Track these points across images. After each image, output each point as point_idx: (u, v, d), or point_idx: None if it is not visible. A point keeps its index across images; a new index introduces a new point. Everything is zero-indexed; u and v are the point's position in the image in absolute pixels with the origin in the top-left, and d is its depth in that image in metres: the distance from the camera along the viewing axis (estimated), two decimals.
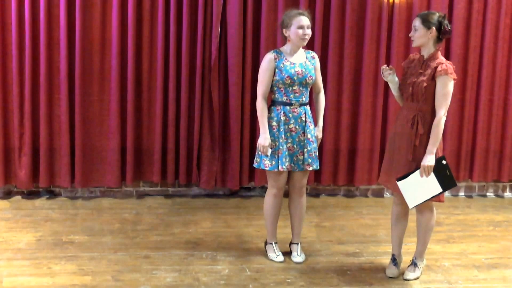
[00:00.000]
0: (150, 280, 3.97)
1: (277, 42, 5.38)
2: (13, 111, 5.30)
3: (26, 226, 4.83)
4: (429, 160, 3.81)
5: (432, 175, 3.82)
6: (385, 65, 4.06)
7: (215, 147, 5.53)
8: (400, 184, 3.89)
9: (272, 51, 4.19)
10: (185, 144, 5.51)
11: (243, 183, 5.64)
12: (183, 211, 5.33)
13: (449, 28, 3.88)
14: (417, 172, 3.84)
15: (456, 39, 5.64)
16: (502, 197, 6.11)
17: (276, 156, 4.13)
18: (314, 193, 5.85)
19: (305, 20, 4.07)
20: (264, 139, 4.11)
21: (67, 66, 5.26)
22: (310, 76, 4.13)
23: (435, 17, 3.84)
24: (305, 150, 4.16)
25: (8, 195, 5.49)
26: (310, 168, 4.19)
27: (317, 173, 5.70)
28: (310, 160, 4.18)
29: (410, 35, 3.93)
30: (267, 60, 4.13)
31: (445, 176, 3.84)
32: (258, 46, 5.46)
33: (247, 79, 5.46)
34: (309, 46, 5.36)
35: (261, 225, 4.92)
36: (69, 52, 5.26)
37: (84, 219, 5.05)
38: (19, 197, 5.49)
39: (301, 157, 4.17)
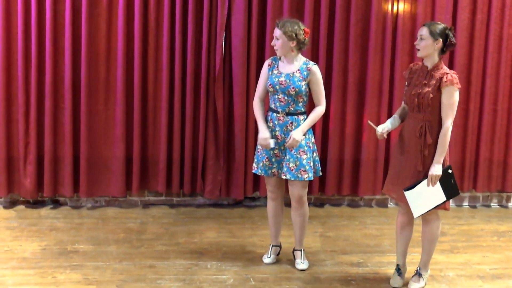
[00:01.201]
0: None
1: None
2: (18, 120, 5.32)
3: (31, 235, 4.84)
4: (437, 169, 3.82)
5: (438, 184, 3.84)
6: (380, 131, 4.02)
7: (220, 157, 5.55)
8: (408, 194, 3.90)
9: (272, 57, 4.37)
10: (189, 154, 5.52)
11: (248, 193, 5.65)
12: (187, 220, 5.34)
13: (454, 41, 3.89)
14: (424, 182, 3.86)
15: (459, 49, 5.65)
16: (506, 207, 6.10)
17: (258, 160, 4.31)
18: (318, 203, 5.85)
19: (275, 31, 4.21)
20: (260, 133, 4.24)
21: (72, 75, 5.29)
22: (293, 87, 4.15)
23: (442, 28, 3.85)
24: (285, 158, 4.21)
25: (13, 204, 5.51)
26: (284, 177, 4.22)
27: (321, 183, 5.70)
28: (285, 169, 4.21)
29: (415, 43, 3.91)
30: (264, 65, 4.36)
31: (450, 185, 3.86)
32: (262, 56, 5.48)
33: (251, 89, 5.47)
34: (314, 56, 5.42)
35: (265, 235, 4.92)
36: (75, 61, 5.29)
37: (89, 228, 5.06)
38: (24, 206, 5.50)
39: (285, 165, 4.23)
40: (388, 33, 5.55)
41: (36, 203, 5.54)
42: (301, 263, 4.40)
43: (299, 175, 4.17)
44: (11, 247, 4.58)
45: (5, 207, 5.47)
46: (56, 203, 5.58)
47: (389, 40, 5.56)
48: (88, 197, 5.53)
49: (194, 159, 5.56)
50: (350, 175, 5.74)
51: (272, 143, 4.18)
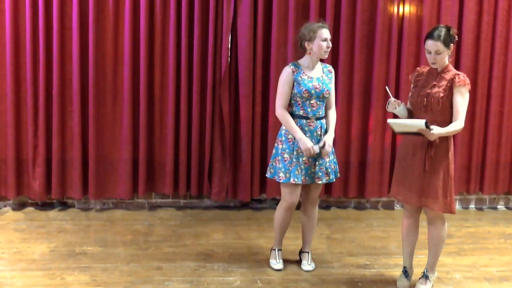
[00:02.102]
0: None
1: (287, 54, 5.42)
2: (27, 123, 5.36)
3: (40, 237, 4.88)
4: (434, 133, 3.71)
5: (412, 121, 3.75)
6: (393, 99, 3.97)
7: (226, 159, 5.57)
8: (391, 121, 3.81)
9: (291, 64, 4.22)
10: (196, 156, 5.54)
11: (254, 195, 5.67)
12: (194, 222, 5.36)
13: (456, 37, 3.95)
14: (412, 121, 3.74)
15: (465, 51, 5.66)
16: None
17: (290, 169, 4.16)
18: (324, 206, 5.86)
19: (327, 33, 4.14)
20: (303, 143, 4.10)
21: (80, 78, 5.32)
22: (327, 90, 4.18)
23: (447, 32, 3.85)
24: (317, 163, 4.19)
25: (22, 206, 5.55)
26: (320, 182, 4.21)
27: (327, 186, 5.71)
28: (320, 174, 4.20)
29: (432, 60, 3.86)
30: (286, 73, 4.17)
31: (411, 132, 3.75)
32: (268, 58, 5.50)
33: (257, 91, 5.49)
34: None
35: (272, 237, 4.93)
36: (82, 64, 5.32)
37: (97, 230, 5.09)
38: (32, 208, 5.54)
39: (313, 170, 4.20)
40: (394, 35, 5.56)
41: (45, 205, 5.58)
42: (308, 265, 4.41)
43: (324, 178, 4.22)
44: (20, 249, 4.62)
45: (14, 209, 5.51)
46: (65, 205, 5.62)
47: (395, 42, 5.57)
48: (96, 199, 5.56)
49: (200, 161, 5.58)
50: (356, 177, 5.75)
51: (316, 148, 4.13)
